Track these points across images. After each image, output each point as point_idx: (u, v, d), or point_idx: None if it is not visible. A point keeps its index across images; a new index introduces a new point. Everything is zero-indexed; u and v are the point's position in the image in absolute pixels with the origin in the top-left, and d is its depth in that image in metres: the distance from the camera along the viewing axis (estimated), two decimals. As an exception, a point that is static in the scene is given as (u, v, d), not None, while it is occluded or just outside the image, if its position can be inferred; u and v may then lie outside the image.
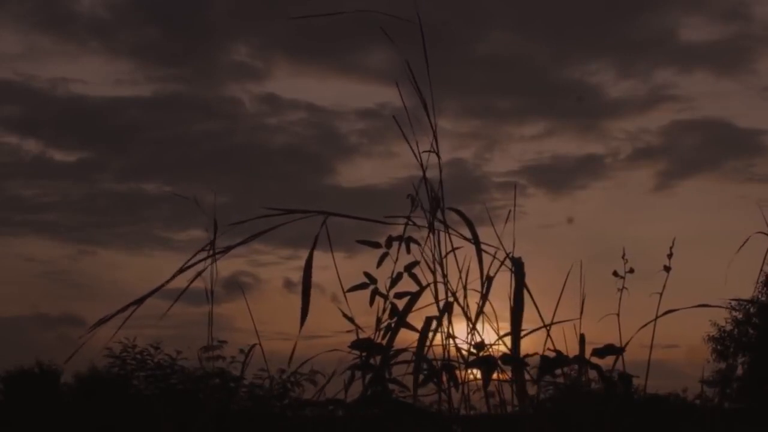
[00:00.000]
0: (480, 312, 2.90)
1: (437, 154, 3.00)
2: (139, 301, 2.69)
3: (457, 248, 2.97)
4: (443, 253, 2.99)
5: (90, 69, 34.98)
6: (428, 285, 3.00)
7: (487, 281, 2.87)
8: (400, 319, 2.95)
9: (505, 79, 30.46)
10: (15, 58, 34.70)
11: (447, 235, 2.99)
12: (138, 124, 30.52)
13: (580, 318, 3.03)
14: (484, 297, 2.87)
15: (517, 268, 2.86)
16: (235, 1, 28.28)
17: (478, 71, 29.79)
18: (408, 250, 3.11)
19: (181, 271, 2.78)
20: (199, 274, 2.81)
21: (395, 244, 3.13)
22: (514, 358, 2.81)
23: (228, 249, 2.79)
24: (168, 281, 2.75)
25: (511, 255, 2.93)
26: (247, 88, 33.42)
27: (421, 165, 3.00)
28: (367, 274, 3.19)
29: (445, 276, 2.98)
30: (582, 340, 2.95)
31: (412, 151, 2.99)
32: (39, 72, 34.11)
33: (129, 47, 32.74)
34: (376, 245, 3.15)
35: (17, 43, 36.23)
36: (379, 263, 3.16)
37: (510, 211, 3.04)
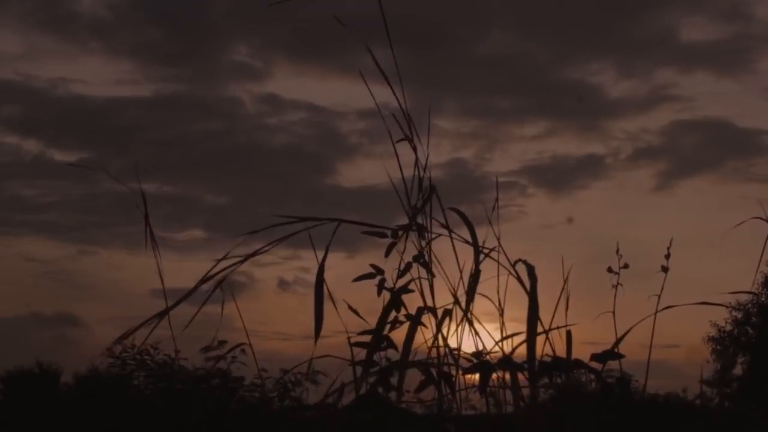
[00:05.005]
0: (470, 301, 2.90)
1: (414, 150, 3.01)
2: (163, 314, 2.70)
3: (434, 238, 2.98)
4: (431, 252, 3.00)
5: (90, 69, 34.98)
6: (419, 278, 3.01)
7: (475, 277, 2.88)
8: (391, 303, 2.96)
9: (505, 79, 30.49)
10: (15, 58, 34.80)
11: (431, 236, 3.00)
12: (138, 124, 30.56)
13: (566, 322, 3.04)
14: (472, 288, 2.87)
15: (530, 273, 2.87)
16: (234, 1, 28.27)
17: (478, 71, 29.82)
18: (423, 237, 3.07)
19: (204, 281, 2.78)
20: (221, 282, 2.79)
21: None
22: (511, 361, 2.82)
23: (247, 258, 2.78)
24: (193, 290, 2.75)
25: (501, 254, 2.94)
26: (247, 88, 33.49)
27: (400, 166, 3.02)
28: (373, 266, 3.19)
29: (430, 271, 2.99)
30: (569, 337, 2.95)
31: (395, 149, 3.00)
32: (39, 72, 34.20)
33: (129, 47, 32.81)
34: (382, 235, 3.13)
35: (17, 43, 36.32)
36: (388, 252, 3.13)
37: (496, 206, 3.07)
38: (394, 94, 2.97)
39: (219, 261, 2.78)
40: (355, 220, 3.00)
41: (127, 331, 2.68)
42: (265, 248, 2.81)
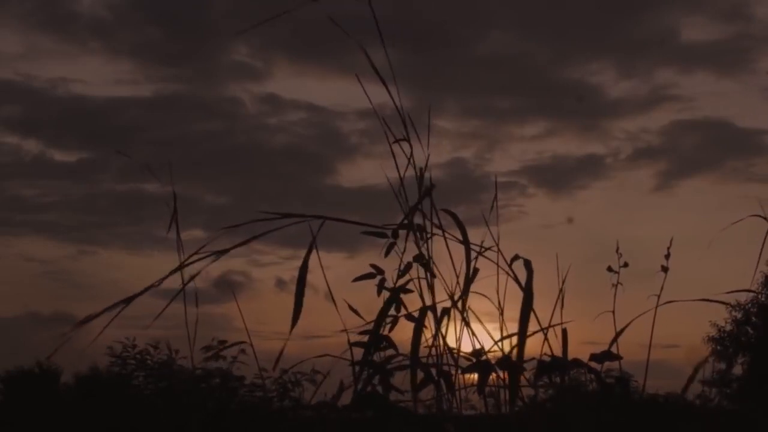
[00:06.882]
0: (465, 300, 2.89)
1: (409, 143, 3.01)
2: (128, 300, 2.62)
3: (437, 235, 2.99)
4: (431, 252, 3.01)
5: (90, 69, 34.99)
6: (419, 278, 3.01)
7: (473, 273, 2.88)
8: (389, 302, 2.96)
9: (505, 79, 30.51)
10: (15, 58, 34.84)
11: (428, 235, 3.00)
12: (138, 124, 30.58)
13: (553, 323, 3.03)
14: (467, 287, 2.88)
15: (527, 266, 2.87)
16: (234, 1, 28.26)
17: (478, 71, 29.84)
18: (422, 237, 3.07)
19: (173, 272, 2.73)
20: (194, 276, 2.76)
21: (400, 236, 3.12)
22: (510, 361, 2.82)
23: (223, 252, 2.75)
24: (161, 280, 2.68)
25: (494, 250, 2.93)
26: (247, 88, 33.52)
27: (396, 165, 3.01)
28: (373, 266, 3.18)
29: (430, 271, 2.99)
30: (564, 336, 2.96)
31: (391, 150, 3.00)
32: (39, 72, 34.23)
33: (129, 47, 32.85)
34: (382, 235, 3.10)
35: (17, 43, 36.36)
36: (387, 253, 3.12)
37: (494, 206, 3.08)
38: (389, 93, 2.97)
39: (187, 258, 2.71)
40: (355, 220, 2.99)
41: (89, 315, 2.58)
42: (242, 244, 2.76)
